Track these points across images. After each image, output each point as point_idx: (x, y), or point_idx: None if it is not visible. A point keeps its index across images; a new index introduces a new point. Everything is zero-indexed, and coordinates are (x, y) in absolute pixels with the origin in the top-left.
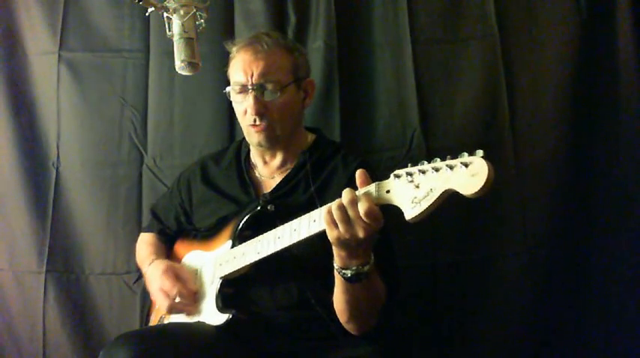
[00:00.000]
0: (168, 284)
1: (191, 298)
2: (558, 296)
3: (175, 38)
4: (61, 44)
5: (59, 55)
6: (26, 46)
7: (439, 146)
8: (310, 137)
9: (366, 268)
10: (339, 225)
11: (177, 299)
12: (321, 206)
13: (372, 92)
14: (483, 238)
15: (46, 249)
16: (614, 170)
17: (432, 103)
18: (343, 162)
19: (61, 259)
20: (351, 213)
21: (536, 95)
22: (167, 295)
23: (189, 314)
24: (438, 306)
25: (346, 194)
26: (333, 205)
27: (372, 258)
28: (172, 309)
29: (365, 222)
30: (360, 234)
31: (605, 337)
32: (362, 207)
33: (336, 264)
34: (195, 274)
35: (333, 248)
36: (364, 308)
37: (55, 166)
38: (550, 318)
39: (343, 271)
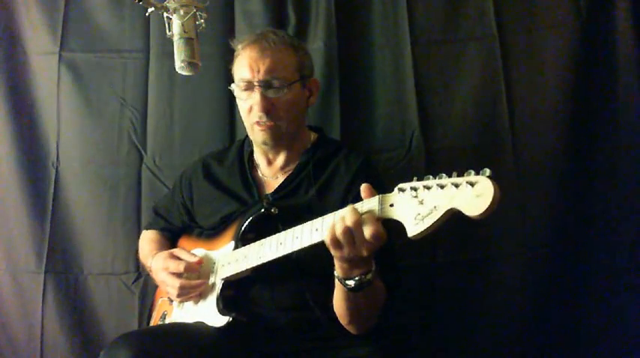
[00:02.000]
0: (173, 264)
1: (198, 274)
2: (558, 297)
3: (175, 38)
4: (61, 44)
5: (59, 55)
6: (26, 46)
7: (438, 147)
8: (313, 136)
9: (368, 276)
10: (345, 248)
11: (186, 278)
12: (322, 206)
13: (371, 93)
14: (483, 238)
15: (45, 249)
16: (613, 170)
17: (432, 104)
18: (346, 161)
19: (60, 259)
20: (356, 234)
21: (536, 95)
22: (176, 274)
23: (199, 292)
24: (438, 306)
25: (351, 216)
26: (338, 230)
27: (374, 265)
28: (184, 288)
29: (370, 242)
30: (365, 253)
31: (605, 337)
32: (367, 231)
33: (338, 274)
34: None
35: (335, 260)
36: (365, 311)
37: (55, 166)
38: (550, 318)
39: (346, 281)
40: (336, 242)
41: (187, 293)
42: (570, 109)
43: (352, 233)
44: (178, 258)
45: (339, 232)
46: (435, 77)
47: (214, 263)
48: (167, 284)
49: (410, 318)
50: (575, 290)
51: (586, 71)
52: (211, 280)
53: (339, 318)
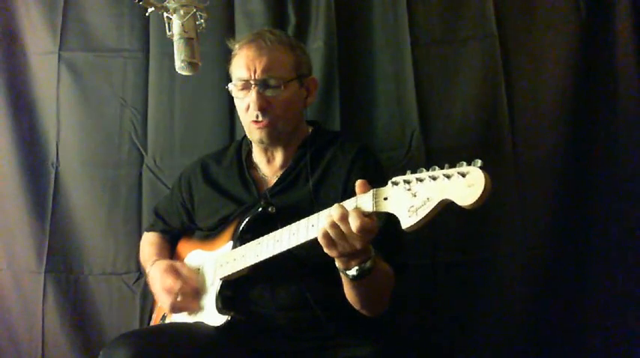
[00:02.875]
0: (169, 281)
1: (193, 294)
2: (558, 297)
3: (175, 38)
4: (61, 44)
5: (59, 55)
6: (26, 46)
7: (439, 146)
8: (310, 130)
9: (368, 264)
10: (338, 244)
11: (179, 298)
12: (321, 197)
13: (371, 93)
14: (483, 238)
15: (46, 249)
16: (613, 169)
17: (432, 104)
18: (342, 149)
19: (61, 259)
20: (344, 229)
21: (536, 95)
22: (170, 292)
23: (191, 311)
24: (438, 306)
25: (336, 211)
26: (327, 225)
27: (372, 251)
28: (175, 307)
29: (359, 236)
30: (358, 245)
31: (605, 337)
32: (354, 224)
33: (338, 266)
34: (198, 272)
35: None
36: (375, 295)
37: (54, 166)
38: (550, 318)
39: (347, 272)
40: (328, 239)
41: (179, 311)
42: (570, 109)
43: (341, 229)
44: (176, 273)
45: (328, 226)
46: (435, 77)
47: (213, 264)
48: (160, 298)
49: (409, 318)
50: (575, 290)
51: (586, 71)
52: (210, 280)
53: (351, 304)
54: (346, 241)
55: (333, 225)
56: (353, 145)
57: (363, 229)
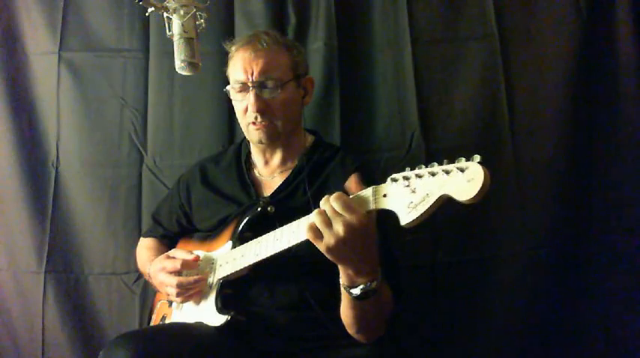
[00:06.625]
0: (170, 263)
1: (197, 268)
2: (558, 296)
3: (175, 38)
4: (61, 44)
5: (59, 55)
6: (26, 46)
7: (439, 146)
8: (310, 139)
9: (374, 285)
10: (323, 233)
11: (185, 276)
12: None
13: (371, 92)
14: (483, 238)
15: (46, 249)
16: (613, 170)
17: (432, 103)
18: (342, 165)
19: (61, 259)
20: (328, 210)
21: (536, 95)
22: (173, 273)
23: (199, 290)
24: (438, 306)
25: (323, 200)
26: (312, 215)
27: (380, 273)
28: (182, 288)
29: (340, 214)
30: (340, 230)
31: (605, 337)
32: (333, 201)
33: (343, 282)
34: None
35: (340, 268)
36: (373, 320)
37: (55, 166)
38: (550, 318)
39: (350, 290)
40: (315, 233)
41: (186, 292)
42: (570, 109)
43: (325, 208)
44: (175, 258)
45: (314, 215)
46: (435, 77)
47: (213, 263)
48: (165, 284)
49: (409, 318)
50: (575, 290)
51: (586, 71)
52: (210, 280)
53: (347, 328)
54: (330, 228)
55: (318, 213)
56: (353, 162)
57: (338, 201)
